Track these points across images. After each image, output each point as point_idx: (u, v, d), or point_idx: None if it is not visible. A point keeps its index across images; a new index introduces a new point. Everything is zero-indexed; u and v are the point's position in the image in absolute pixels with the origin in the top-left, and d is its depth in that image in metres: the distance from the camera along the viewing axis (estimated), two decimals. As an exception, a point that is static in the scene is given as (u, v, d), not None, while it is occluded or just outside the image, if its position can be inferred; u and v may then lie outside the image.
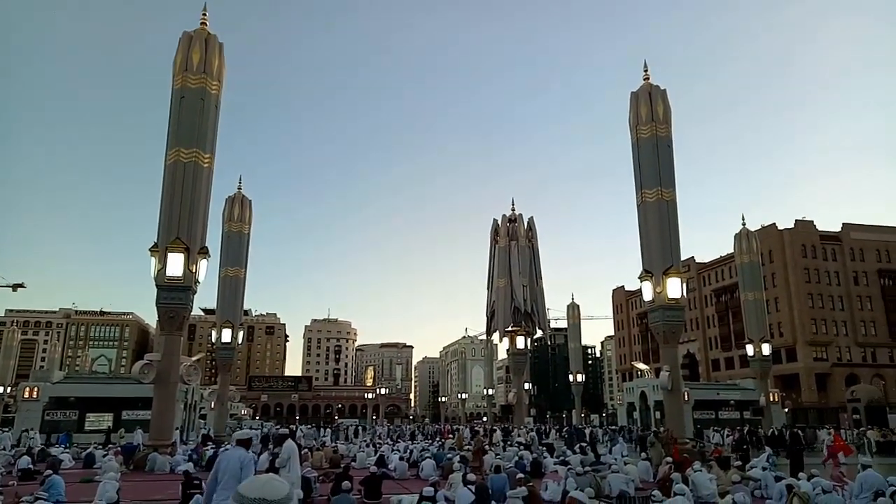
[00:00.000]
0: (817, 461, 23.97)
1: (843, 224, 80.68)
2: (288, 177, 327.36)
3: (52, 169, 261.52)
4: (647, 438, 25.74)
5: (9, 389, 66.38)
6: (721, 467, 17.58)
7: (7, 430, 38.09)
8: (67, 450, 26.83)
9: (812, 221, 79.65)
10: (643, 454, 26.47)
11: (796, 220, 79.13)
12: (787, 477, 14.77)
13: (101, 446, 27.70)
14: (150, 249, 24.29)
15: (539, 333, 53.11)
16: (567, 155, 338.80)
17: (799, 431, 29.97)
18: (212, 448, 25.02)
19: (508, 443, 32.66)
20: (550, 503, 13.78)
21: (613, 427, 58.34)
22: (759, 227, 72.85)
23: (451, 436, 38.49)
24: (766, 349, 44.30)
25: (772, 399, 44.28)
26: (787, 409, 55.84)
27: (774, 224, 78.37)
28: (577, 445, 26.73)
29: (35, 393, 37.79)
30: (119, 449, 24.89)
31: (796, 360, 74.38)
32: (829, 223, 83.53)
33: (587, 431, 43.32)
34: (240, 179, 42.05)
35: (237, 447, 8.55)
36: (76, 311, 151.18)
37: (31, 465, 19.87)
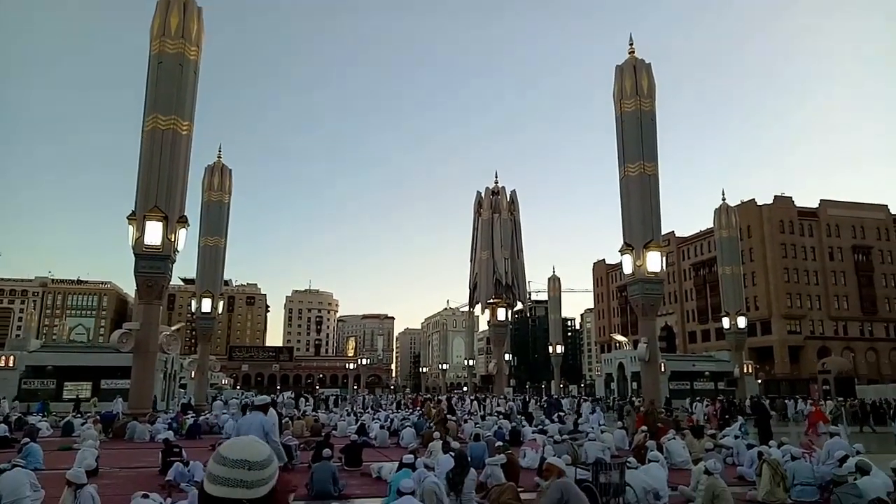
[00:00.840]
0: (788, 430, 24.62)
1: (821, 200, 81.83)
2: (268, 147, 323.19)
3: (26, 136, 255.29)
4: (624, 408, 26.21)
5: (-16, 358, 65.45)
6: (694, 436, 18.00)
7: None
8: (45, 418, 26.66)
9: (790, 198, 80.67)
10: (619, 423, 26.99)
11: (775, 196, 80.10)
12: (758, 445, 15.17)
13: (75, 415, 27.55)
14: (127, 218, 23.94)
15: (519, 306, 53.57)
16: (551, 130, 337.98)
17: (766, 401, 30.72)
18: (192, 417, 25.03)
19: (488, 412, 33.06)
20: (528, 470, 14.02)
21: (589, 398, 59.23)
22: (739, 202, 73.71)
23: (420, 407, 38.31)
24: (741, 322, 45.19)
25: (745, 370, 45.36)
26: (759, 381, 57.16)
27: (754, 200, 79.27)
28: (556, 415, 27.17)
29: (11, 361, 37.39)
30: (98, 417, 24.77)
31: (771, 333, 75.99)
32: (807, 200, 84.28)
33: (565, 402, 44.02)
34: (219, 148, 41.51)
35: (256, 412, 8.68)
36: (52, 280, 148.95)
37: (7, 434, 19.72)
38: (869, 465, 9.95)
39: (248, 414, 9.34)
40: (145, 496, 8.77)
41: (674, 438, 16.47)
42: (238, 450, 1.57)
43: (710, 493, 9.65)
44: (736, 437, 18.07)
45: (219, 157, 40.88)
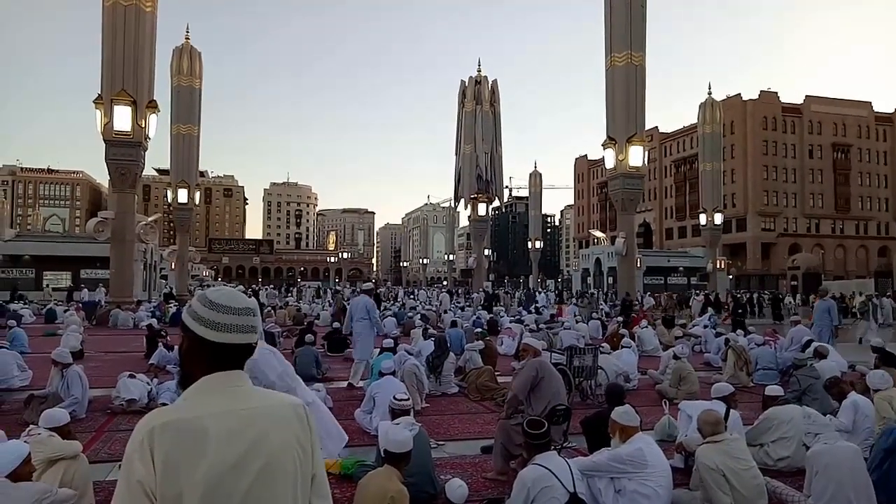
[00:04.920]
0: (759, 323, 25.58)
1: (806, 96, 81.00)
2: (241, 32, 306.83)
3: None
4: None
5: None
6: (665, 326, 18.71)
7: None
8: (26, 306, 26.82)
9: (776, 93, 79.70)
10: (593, 315, 27.89)
11: (761, 91, 79.04)
12: (725, 333, 15.83)
13: (57, 301, 27.71)
14: (94, 102, 22.92)
15: (496, 203, 53.45)
16: (535, 17, 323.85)
17: (741, 296, 31.60)
18: (175, 306, 25.29)
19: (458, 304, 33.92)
20: (505, 356, 14.56)
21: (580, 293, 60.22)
22: (725, 97, 72.69)
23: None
24: (717, 219, 45.91)
25: (718, 266, 46.59)
26: (731, 276, 58.97)
27: (739, 94, 78.20)
28: (532, 306, 27.98)
29: (-13, 250, 37.03)
30: (80, 305, 24.96)
31: (745, 229, 77.56)
32: (794, 97, 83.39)
33: (541, 296, 45.09)
34: (187, 28, 39.12)
35: (362, 294, 11.97)
36: (21, 169, 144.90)
37: (-9, 319, 19.86)
38: (827, 350, 10.45)
39: (357, 296, 12.04)
40: (132, 376, 8.95)
41: (646, 327, 17.09)
42: (238, 298, 1.60)
43: (676, 375, 10.13)
44: (705, 326, 18.82)
45: (186, 38, 38.66)
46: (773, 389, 6.76)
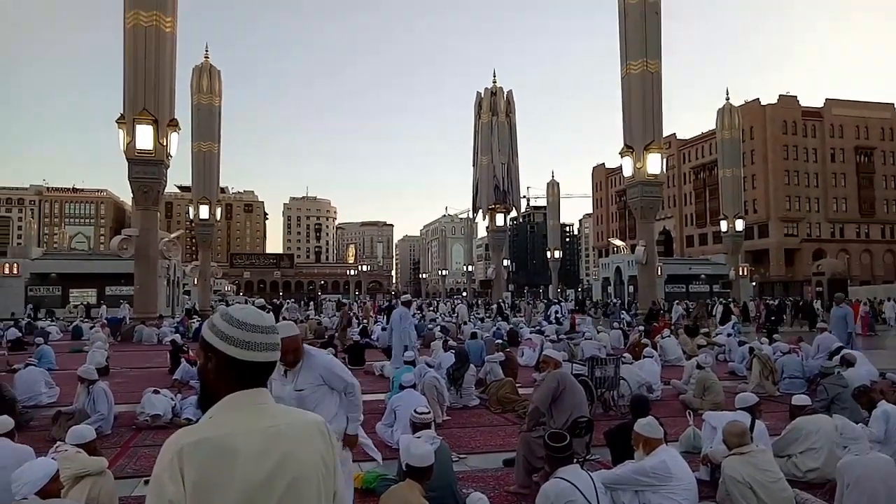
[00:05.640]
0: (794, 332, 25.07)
1: (826, 100, 79.94)
2: (259, 50, 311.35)
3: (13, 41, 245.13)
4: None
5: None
6: (688, 335, 18.49)
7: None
8: (53, 323, 27.29)
9: (795, 97, 78.76)
10: (615, 324, 27.62)
11: (780, 96, 78.19)
12: (749, 342, 15.58)
13: (83, 319, 28.17)
14: (116, 121, 23.37)
15: (513, 213, 53.32)
16: (550, 27, 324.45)
17: (773, 304, 30.62)
18: (197, 321, 25.57)
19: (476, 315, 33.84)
20: (526, 367, 14.47)
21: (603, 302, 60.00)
22: (743, 102, 71.98)
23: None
24: (739, 225, 45.34)
25: (741, 273, 45.95)
26: (754, 283, 58.11)
27: (758, 99, 77.41)
28: (553, 317, 27.83)
29: (15, 269, 37.76)
30: (105, 322, 25.34)
31: (768, 235, 76.46)
32: (813, 100, 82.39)
33: (557, 307, 44.74)
34: (206, 47, 39.80)
35: (402, 306, 13.51)
36: (48, 188, 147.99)
37: (20, 336, 20.22)
38: (854, 357, 10.24)
39: (398, 307, 13.32)
40: (156, 392, 9.05)
41: (668, 336, 16.90)
42: (263, 317, 1.63)
43: (700, 385, 9.98)
44: (729, 335, 18.54)
45: (206, 57, 39.35)
46: (801, 399, 6.64)
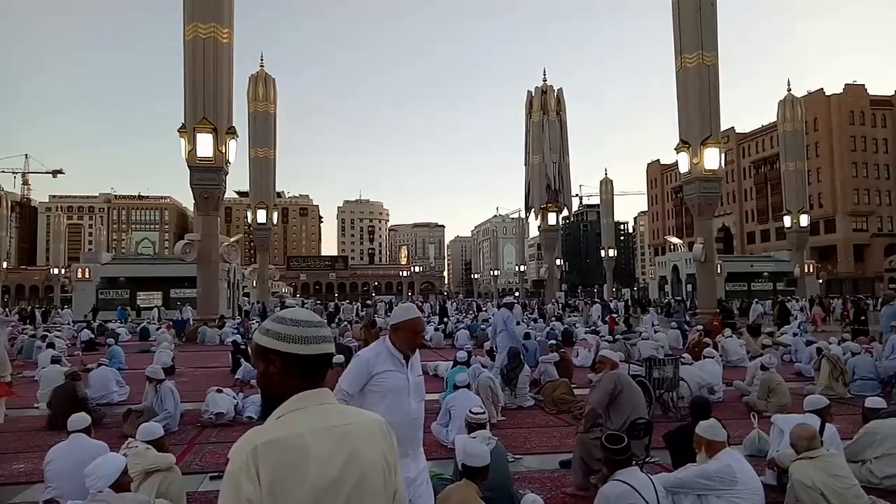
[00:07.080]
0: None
1: (898, 88, 75.92)
2: (312, 57, 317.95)
3: (69, 52, 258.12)
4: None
5: (63, 271, 69.99)
6: (751, 334, 17.86)
7: (66, 307, 40.56)
8: (124, 324, 28.57)
9: (863, 86, 75.02)
10: (673, 323, 26.95)
11: (846, 85, 74.60)
12: (816, 342, 14.92)
13: (150, 321, 29.35)
14: (178, 130, 24.28)
15: (564, 212, 52.65)
16: (601, 24, 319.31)
17: (861, 302, 28.42)
18: (256, 322, 26.31)
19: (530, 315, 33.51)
20: (581, 368, 14.28)
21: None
22: (806, 93, 69.01)
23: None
24: (804, 220, 43.56)
25: (806, 270, 44.09)
26: (821, 280, 55.61)
27: (822, 89, 74.08)
28: (608, 316, 27.33)
29: (87, 273, 39.75)
30: (170, 323, 26.37)
31: (835, 231, 73.08)
32: (882, 88, 78.28)
33: (612, 305, 44.01)
34: (261, 56, 40.95)
35: (503, 308, 12.87)
36: (116, 196, 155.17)
37: (92, 337, 21.28)
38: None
39: (500, 310, 13.09)
40: (219, 391, 9.34)
41: (730, 336, 16.37)
42: (310, 314, 1.69)
43: (765, 387, 9.61)
44: (794, 334, 17.82)
45: (261, 65, 40.48)
46: (874, 401, 6.32)
